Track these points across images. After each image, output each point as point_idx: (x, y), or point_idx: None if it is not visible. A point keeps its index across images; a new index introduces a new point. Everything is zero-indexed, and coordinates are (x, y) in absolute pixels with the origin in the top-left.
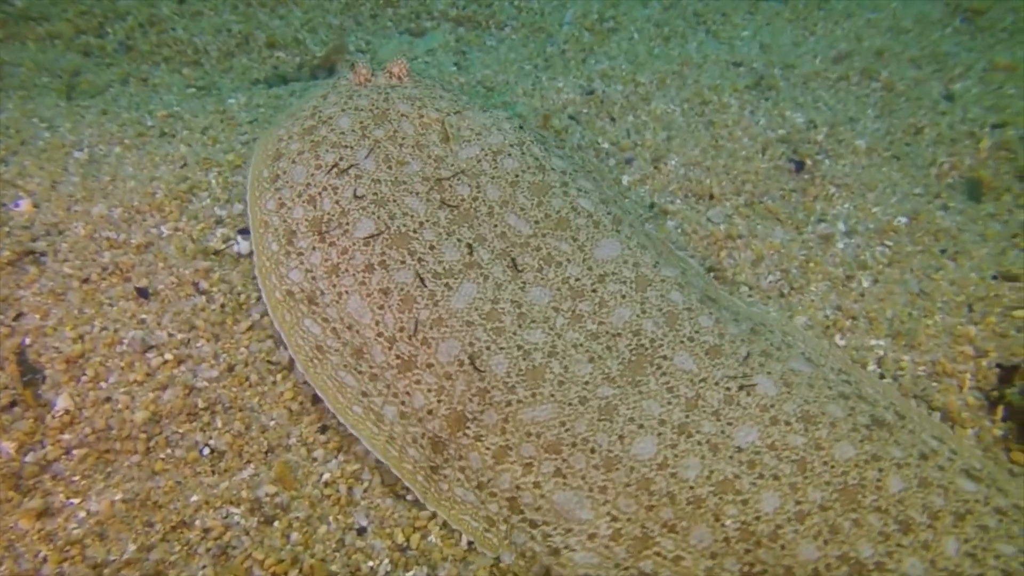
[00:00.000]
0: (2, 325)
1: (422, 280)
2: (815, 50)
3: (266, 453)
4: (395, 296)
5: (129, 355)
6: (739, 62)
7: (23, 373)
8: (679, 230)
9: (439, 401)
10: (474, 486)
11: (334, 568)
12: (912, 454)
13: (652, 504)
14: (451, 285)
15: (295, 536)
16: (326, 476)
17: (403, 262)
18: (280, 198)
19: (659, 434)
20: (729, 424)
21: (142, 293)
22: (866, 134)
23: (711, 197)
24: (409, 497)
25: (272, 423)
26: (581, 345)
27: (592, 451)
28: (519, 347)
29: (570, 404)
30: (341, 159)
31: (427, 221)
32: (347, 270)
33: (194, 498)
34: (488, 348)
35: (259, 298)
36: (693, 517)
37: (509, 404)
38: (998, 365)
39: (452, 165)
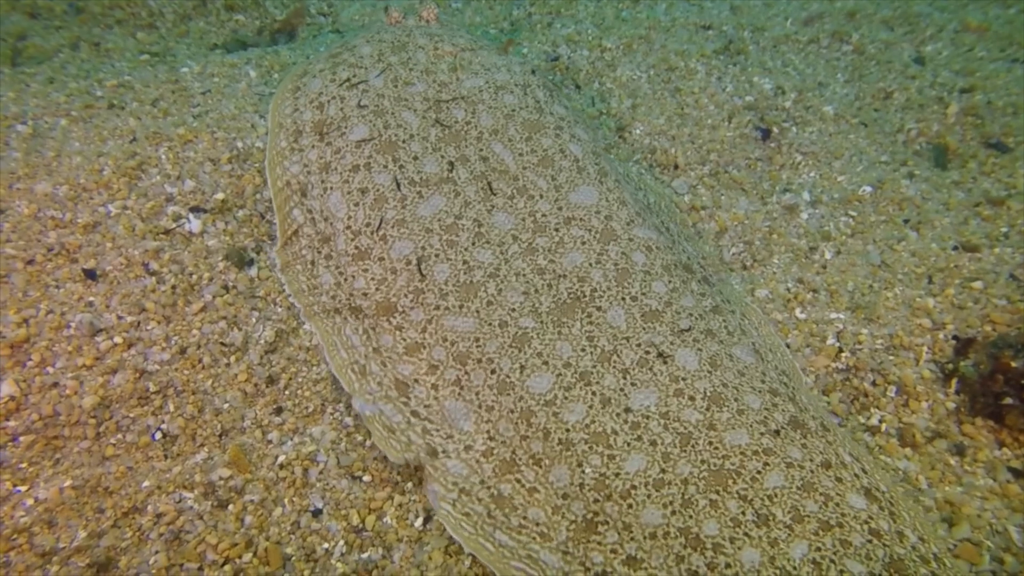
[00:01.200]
0: None
1: (398, 184)
2: (786, 11)
3: (220, 436)
4: (371, 196)
5: (76, 339)
6: (708, 25)
7: None
8: (647, 202)
9: (377, 289)
10: (372, 351)
11: (289, 551)
12: (814, 460)
13: (527, 435)
14: (423, 194)
15: (249, 519)
16: (281, 458)
17: (385, 166)
18: (295, 104)
19: (559, 375)
20: (632, 385)
21: (89, 275)
22: (835, 100)
23: (676, 167)
24: (365, 479)
25: (226, 406)
26: (523, 275)
27: (492, 372)
28: (465, 262)
29: (490, 324)
30: (354, 76)
31: (418, 135)
32: (336, 168)
33: (146, 483)
34: (436, 256)
35: (211, 279)
36: (559, 457)
37: (437, 308)
38: (954, 337)
39: (454, 91)
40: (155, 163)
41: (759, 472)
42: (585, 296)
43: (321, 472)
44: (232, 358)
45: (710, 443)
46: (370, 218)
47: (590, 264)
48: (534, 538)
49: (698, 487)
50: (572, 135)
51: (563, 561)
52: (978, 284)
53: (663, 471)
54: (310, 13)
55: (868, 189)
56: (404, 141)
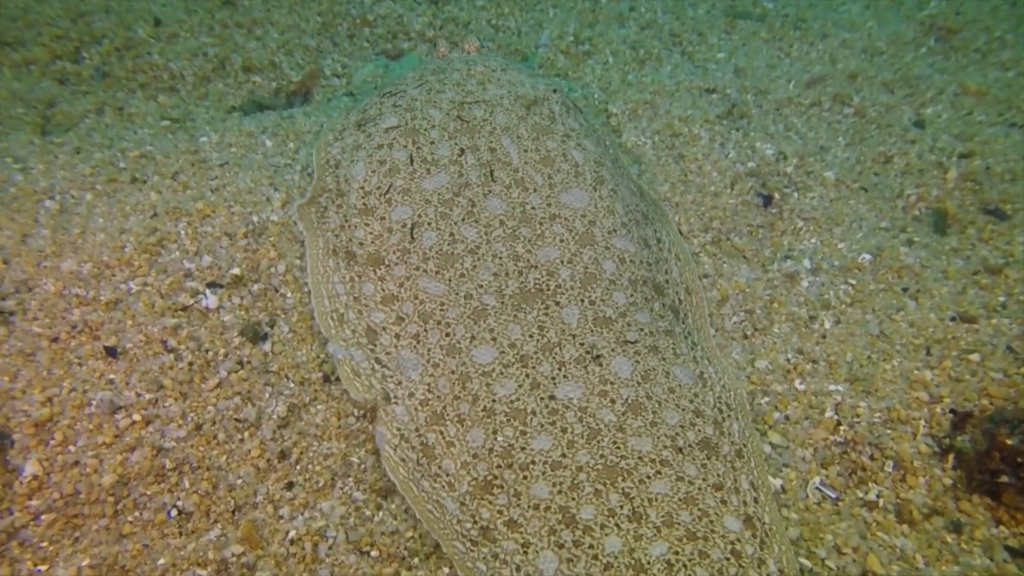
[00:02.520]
0: None
1: (412, 160)
2: (789, 73)
3: (233, 512)
4: (387, 166)
5: (97, 417)
6: (712, 88)
7: None
8: None
9: (371, 242)
10: (353, 299)
11: None
12: (707, 480)
13: (459, 396)
14: (431, 171)
15: None
16: (292, 534)
17: (405, 146)
18: (348, 115)
19: (502, 352)
20: (564, 377)
21: (111, 352)
22: (835, 165)
23: (680, 235)
24: (373, 554)
25: (239, 481)
26: (499, 258)
27: (447, 335)
28: (451, 234)
29: (456, 293)
30: (395, 89)
31: (439, 126)
32: (364, 147)
33: (161, 561)
34: (429, 224)
35: (226, 355)
36: (480, 422)
37: (417, 268)
38: (951, 411)
39: (478, 96)
40: (174, 239)
41: (648, 477)
42: (548, 290)
43: (331, 548)
44: (246, 434)
45: (614, 443)
46: (381, 183)
47: (562, 261)
48: (443, 486)
49: (589, 476)
50: (578, 144)
51: (459, 510)
52: (975, 356)
53: (563, 455)
54: (324, 75)
55: (867, 257)
56: (426, 130)
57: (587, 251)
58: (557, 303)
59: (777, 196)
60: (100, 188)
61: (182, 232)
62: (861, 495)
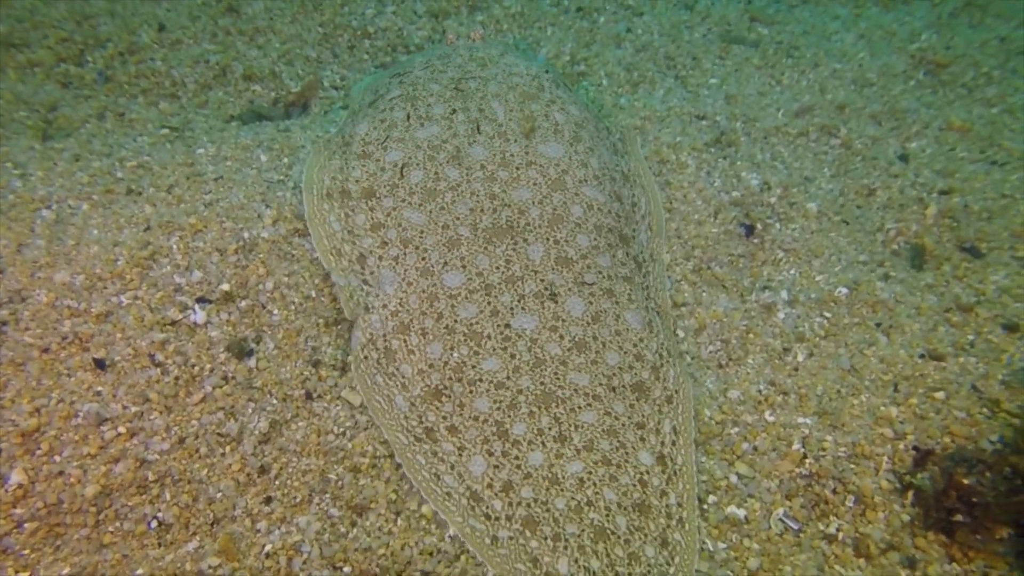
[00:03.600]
0: None
1: (408, 117)
2: (779, 102)
3: (212, 524)
4: (387, 123)
5: (83, 428)
6: (702, 115)
7: None
8: None
9: (366, 177)
10: (347, 232)
11: None
12: (631, 418)
13: (425, 312)
14: (424, 125)
15: None
16: (268, 547)
17: (404, 109)
18: (364, 95)
19: (469, 279)
20: (522, 309)
21: (99, 364)
22: (819, 196)
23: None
24: (346, 570)
25: (219, 495)
26: (476, 196)
27: (422, 259)
28: (436, 174)
29: (436, 223)
30: (403, 71)
31: (436, 96)
32: (370, 114)
33: (139, 571)
34: (417, 165)
35: (212, 370)
36: (440, 337)
37: (403, 201)
38: (914, 448)
39: (476, 74)
40: (166, 253)
41: (579, 407)
42: (518, 227)
43: (305, 562)
44: (227, 448)
45: (555, 373)
46: (379, 134)
47: (533, 202)
48: (397, 385)
49: (527, 398)
50: (562, 108)
51: (408, 409)
52: (940, 394)
53: (507, 378)
54: (323, 86)
55: (844, 291)
56: (424, 98)
57: (557, 195)
58: (525, 240)
59: (759, 226)
60: (96, 198)
61: (174, 246)
62: (822, 528)
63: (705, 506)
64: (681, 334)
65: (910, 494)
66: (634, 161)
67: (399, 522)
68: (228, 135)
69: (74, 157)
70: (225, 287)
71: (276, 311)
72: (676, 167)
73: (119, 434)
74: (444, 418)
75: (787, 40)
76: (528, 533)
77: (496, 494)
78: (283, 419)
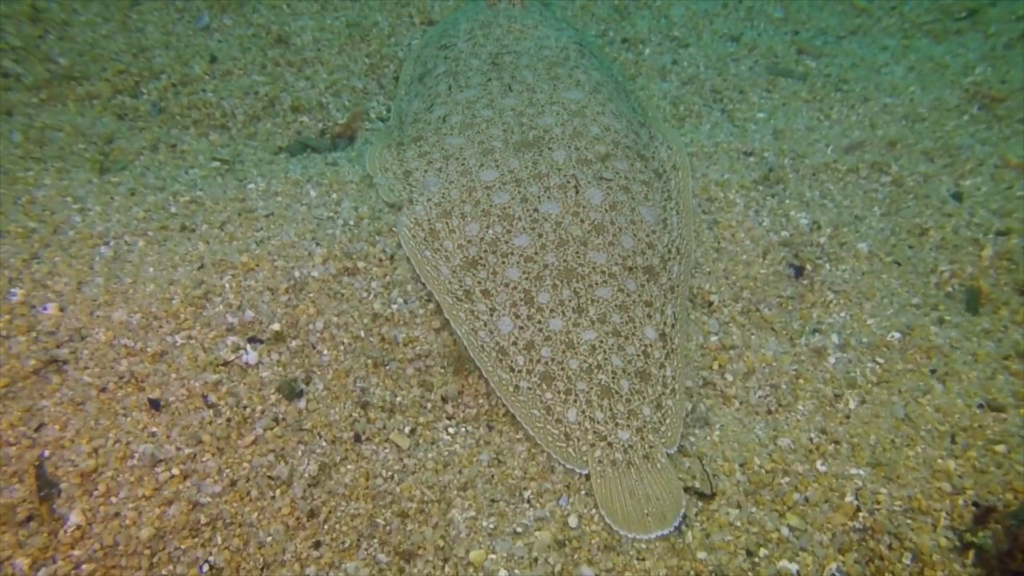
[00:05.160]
0: (24, 437)
1: (449, 87)
2: (828, 137)
3: (262, 569)
4: (436, 91)
5: (139, 469)
6: (750, 151)
7: (40, 487)
8: None
9: (415, 132)
10: (395, 160)
11: None
12: (641, 296)
13: (464, 200)
14: (463, 89)
15: None
16: None
17: (447, 81)
18: (414, 64)
19: (502, 175)
20: (548, 197)
21: (154, 404)
22: (869, 236)
23: (710, 305)
24: None
25: (269, 539)
26: (507, 123)
27: (462, 164)
28: (472, 114)
29: (472, 142)
30: (449, 43)
31: (474, 69)
32: (420, 92)
33: None
34: (456, 113)
35: (263, 411)
36: (477, 218)
37: (445, 134)
38: (974, 504)
39: (511, 48)
40: (219, 292)
41: (596, 283)
42: (544, 140)
43: None
44: (278, 491)
45: (576, 252)
46: (431, 96)
47: (555, 125)
48: (442, 258)
49: (551, 272)
50: (585, 72)
51: (450, 275)
52: (1001, 448)
53: (536, 253)
54: (369, 117)
55: (897, 335)
56: (465, 72)
57: (576, 120)
58: (549, 148)
59: (809, 267)
60: (152, 234)
61: (227, 285)
62: None
63: (756, 560)
64: (730, 378)
65: (971, 553)
66: (653, 121)
67: (447, 569)
68: (278, 169)
69: (130, 191)
70: (276, 327)
71: (326, 351)
72: (724, 205)
73: (173, 476)
74: (479, 283)
75: (836, 73)
76: (544, 386)
77: (520, 351)
78: (332, 462)
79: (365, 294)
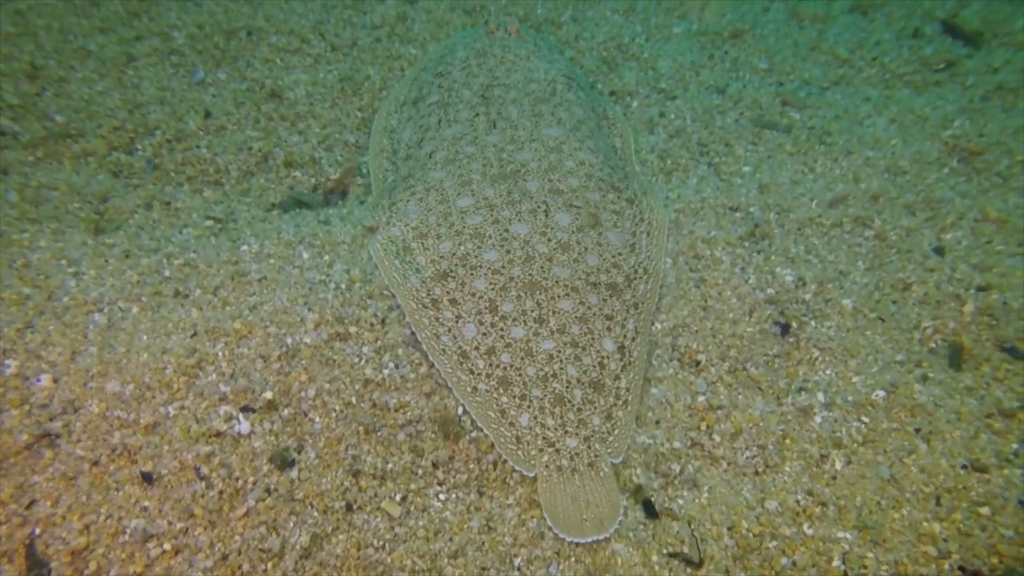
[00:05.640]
0: (15, 515)
1: (439, 121)
2: (812, 191)
3: None
4: (423, 127)
5: (130, 546)
6: (736, 207)
7: (30, 568)
8: (663, 398)
9: (410, 163)
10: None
11: None
12: (602, 310)
13: (440, 224)
14: (450, 124)
15: None
16: None
17: (437, 114)
18: (411, 85)
19: (477, 201)
20: (519, 220)
21: (146, 478)
22: (854, 292)
23: (697, 364)
24: None
25: None
26: (488, 158)
27: (441, 193)
28: (456, 151)
29: (451, 174)
30: (445, 71)
31: (465, 102)
32: (413, 117)
33: None
34: (442, 150)
35: (255, 483)
36: (451, 236)
37: (427, 168)
38: (960, 568)
39: (501, 81)
40: (212, 360)
41: (558, 296)
42: (520, 173)
43: None
44: (269, 564)
45: (541, 267)
46: (417, 137)
47: (532, 160)
48: (412, 268)
49: (516, 285)
50: (567, 109)
51: (420, 285)
52: (985, 510)
53: (502, 267)
54: (361, 172)
55: (881, 394)
56: (455, 104)
57: (553, 155)
58: (524, 179)
59: (795, 324)
60: (146, 300)
61: (220, 353)
62: None
63: None
64: (717, 438)
65: None
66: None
67: None
68: (271, 228)
69: (124, 253)
70: (268, 395)
71: (318, 419)
72: (711, 263)
73: (164, 551)
74: (447, 292)
75: (819, 125)
76: (501, 390)
77: (481, 355)
78: (324, 532)
79: (357, 359)
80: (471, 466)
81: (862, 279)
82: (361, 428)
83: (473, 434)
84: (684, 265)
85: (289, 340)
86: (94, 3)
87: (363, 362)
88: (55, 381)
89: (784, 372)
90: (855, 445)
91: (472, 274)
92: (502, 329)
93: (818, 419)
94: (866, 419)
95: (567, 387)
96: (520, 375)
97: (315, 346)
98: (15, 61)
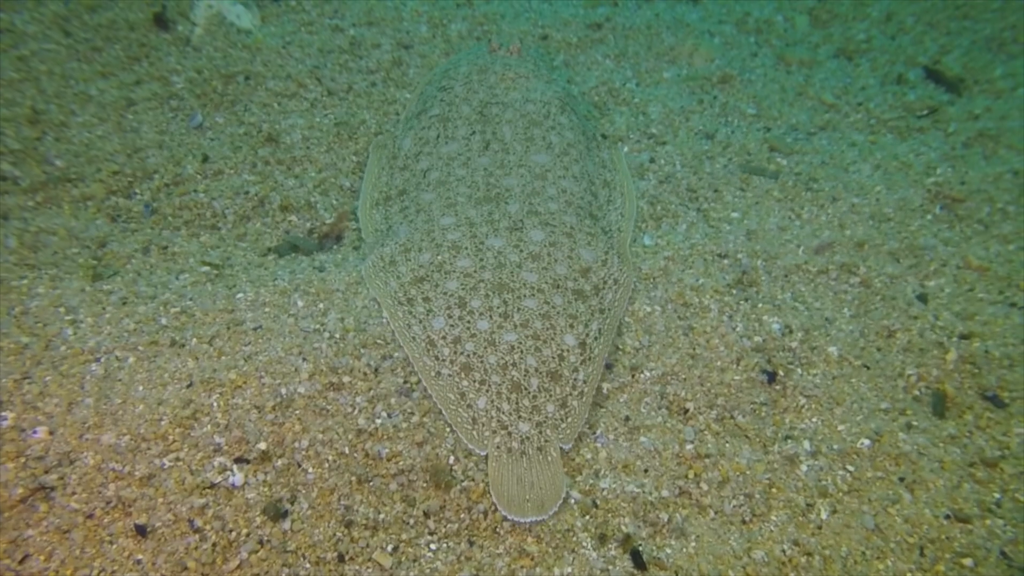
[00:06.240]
0: (8, 570)
1: (438, 136)
2: (799, 237)
3: None
4: (423, 141)
5: None
6: (724, 254)
7: None
8: (652, 446)
9: (400, 184)
10: (383, 218)
11: None
12: (566, 310)
13: (423, 240)
14: (447, 142)
15: None
16: None
17: (436, 128)
18: (417, 100)
19: (458, 220)
20: (494, 234)
21: (140, 530)
22: (839, 339)
23: (686, 412)
24: None
25: None
26: (476, 183)
27: (428, 213)
28: (448, 172)
29: (440, 196)
30: (448, 85)
31: (463, 119)
32: (415, 127)
33: None
34: (436, 169)
35: (248, 534)
36: (430, 249)
37: (421, 188)
38: None
39: (499, 99)
40: (207, 411)
41: (524, 296)
42: (502, 196)
43: None
44: None
45: (511, 272)
46: (416, 149)
47: (517, 186)
48: (392, 276)
49: (485, 285)
50: (559, 133)
51: (398, 288)
52: (968, 561)
53: (474, 272)
54: (356, 217)
55: (866, 443)
56: (454, 120)
57: (537, 182)
58: (506, 201)
59: (781, 372)
60: (142, 350)
61: (215, 404)
62: None
63: None
64: (705, 487)
65: None
66: (620, 175)
67: None
68: (266, 275)
69: (121, 300)
70: (262, 446)
71: (311, 469)
72: (699, 311)
73: None
74: (421, 293)
75: (806, 171)
76: (463, 375)
77: (447, 344)
78: None
79: (350, 409)
80: (462, 515)
81: (847, 326)
82: (354, 478)
83: (464, 483)
84: (673, 313)
85: (283, 390)
86: (96, 48)
87: (356, 412)
88: (51, 433)
89: (771, 420)
90: (840, 494)
91: (445, 277)
92: (469, 322)
93: (804, 468)
94: (851, 468)
95: (525, 375)
96: (482, 362)
97: (309, 396)
98: (17, 106)
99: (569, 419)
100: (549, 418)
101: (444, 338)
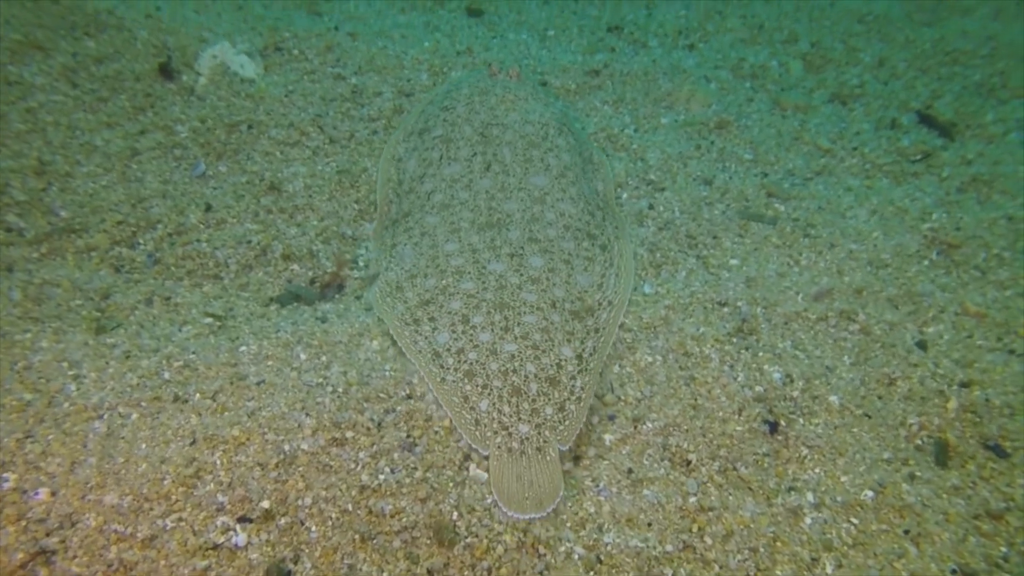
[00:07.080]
0: None
1: (441, 156)
2: (798, 284)
3: None
4: (427, 162)
5: None
6: (724, 302)
7: None
8: (655, 499)
9: (412, 197)
10: (390, 243)
11: None
12: (563, 327)
13: (428, 266)
14: (450, 163)
15: None
16: None
17: (439, 150)
18: (418, 117)
19: (461, 247)
20: (496, 260)
21: None
22: (840, 388)
23: (688, 464)
24: None
25: None
26: (478, 207)
27: (433, 239)
28: (452, 195)
29: (444, 220)
30: (450, 105)
31: (465, 139)
32: (418, 148)
33: None
34: (440, 191)
35: None
36: (434, 275)
37: (425, 210)
38: None
39: (500, 120)
40: (210, 469)
41: (524, 312)
42: (503, 222)
43: None
44: None
45: (512, 293)
46: (420, 171)
47: (517, 211)
48: (400, 301)
49: (487, 304)
50: (556, 155)
51: (405, 311)
52: None
53: (477, 293)
54: (357, 265)
55: (870, 494)
56: (456, 141)
57: (536, 206)
58: (507, 228)
59: (783, 423)
60: (145, 406)
61: (218, 462)
62: None
63: None
64: (709, 541)
65: None
66: (612, 199)
67: None
68: (269, 326)
69: (125, 354)
70: (265, 504)
71: (314, 527)
72: (700, 361)
73: None
74: (427, 314)
75: (803, 217)
76: (466, 380)
77: (451, 355)
78: None
79: (353, 465)
80: (465, 573)
81: (848, 374)
82: (357, 536)
83: (468, 540)
84: (674, 363)
85: (287, 447)
86: (102, 99)
87: (359, 468)
88: (53, 494)
89: (773, 471)
90: (845, 548)
91: (449, 298)
92: (471, 336)
93: (808, 520)
94: (855, 520)
95: (525, 381)
96: (484, 369)
97: (312, 452)
98: (24, 158)
99: (567, 422)
100: (548, 420)
101: (448, 350)
